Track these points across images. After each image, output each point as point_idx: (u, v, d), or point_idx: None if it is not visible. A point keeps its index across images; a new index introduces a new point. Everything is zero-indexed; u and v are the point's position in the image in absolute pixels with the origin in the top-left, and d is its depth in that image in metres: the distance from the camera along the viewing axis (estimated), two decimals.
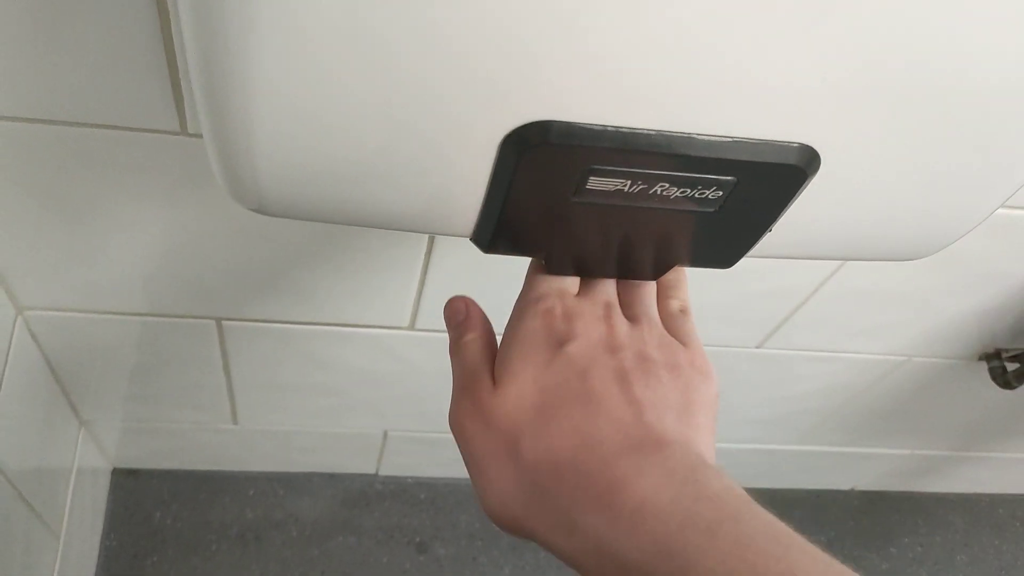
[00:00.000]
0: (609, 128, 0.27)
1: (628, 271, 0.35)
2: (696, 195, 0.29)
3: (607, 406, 0.30)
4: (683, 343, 0.34)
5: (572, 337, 0.32)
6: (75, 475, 0.90)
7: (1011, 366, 0.84)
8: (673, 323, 0.35)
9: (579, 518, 0.28)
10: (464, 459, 0.33)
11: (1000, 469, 1.22)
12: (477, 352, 0.35)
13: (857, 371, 0.90)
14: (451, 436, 1.05)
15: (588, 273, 0.36)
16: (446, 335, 0.77)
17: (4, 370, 0.67)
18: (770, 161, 0.28)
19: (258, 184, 0.30)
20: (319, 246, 0.64)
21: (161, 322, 0.73)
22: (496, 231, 0.31)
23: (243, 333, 0.76)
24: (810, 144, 0.28)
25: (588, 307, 0.34)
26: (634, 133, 0.27)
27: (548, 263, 0.34)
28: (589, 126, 0.27)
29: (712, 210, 0.30)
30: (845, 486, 1.25)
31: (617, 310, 0.35)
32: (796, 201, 0.31)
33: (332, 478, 1.12)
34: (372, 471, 1.12)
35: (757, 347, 0.83)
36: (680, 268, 0.37)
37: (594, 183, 0.28)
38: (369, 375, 0.85)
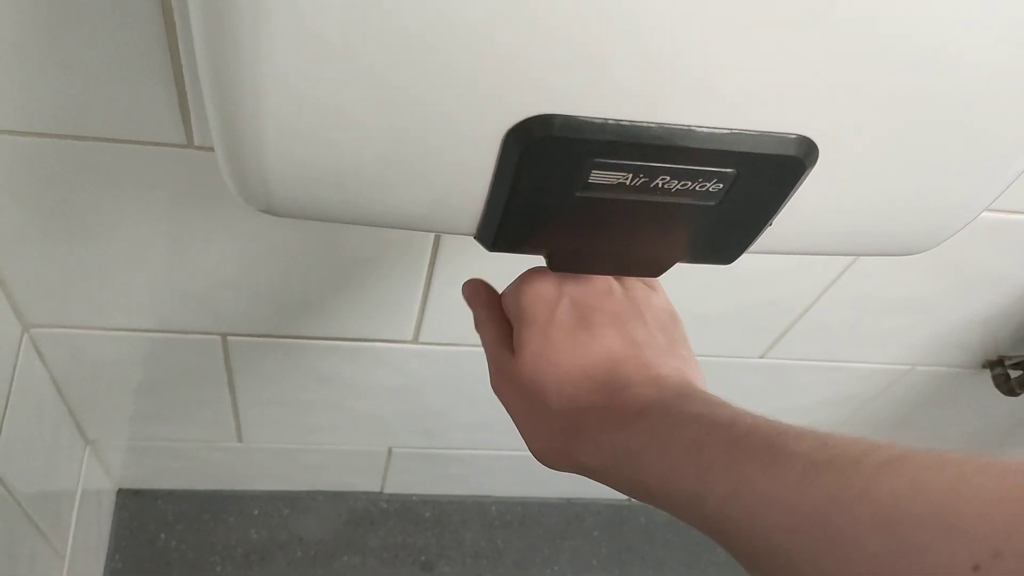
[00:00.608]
0: (610, 121, 0.27)
1: (630, 268, 0.36)
2: (697, 188, 0.30)
3: (610, 351, 0.36)
4: (650, 287, 0.40)
5: (563, 294, 0.38)
6: (80, 496, 0.90)
7: (1014, 373, 0.84)
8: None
9: (602, 437, 0.33)
10: (511, 417, 0.39)
11: None
12: (492, 328, 0.40)
13: (862, 381, 0.90)
14: (455, 452, 1.05)
15: (591, 270, 0.36)
16: (450, 348, 0.78)
17: (10, 389, 0.67)
18: (769, 152, 0.28)
19: (266, 184, 0.31)
20: (322, 260, 0.65)
21: (166, 338, 0.73)
22: (500, 228, 0.32)
23: (247, 349, 0.76)
24: (808, 135, 0.28)
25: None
26: (635, 126, 0.27)
27: (551, 260, 0.35)
28: (591, 119, 0.27)
29: (713, 203, 0.30)
30: None
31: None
32: (796, 194, 0.31)
33: (337, 496, 1.11)
34: (377, 489, 1.12)
35: (760, 357, 0.83)
36: None
37: (596, 177, 0.29)
38: (373, 390, 0.85)
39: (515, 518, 1.16)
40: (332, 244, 0.63)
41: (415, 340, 0.76)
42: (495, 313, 0.40)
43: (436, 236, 0.63)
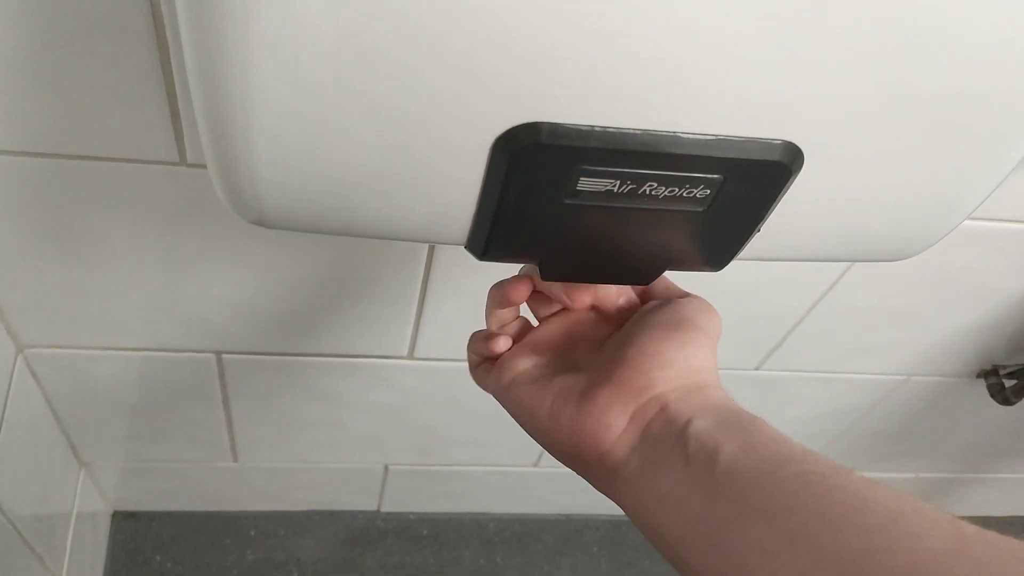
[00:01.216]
0: (597, 128, 0.27)
1: (620, 276, 0.36)
2: (684, 194, 0.30)
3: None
4: None
5: None
6: (75, 518, 0.89)
7: (1009, 382, 0.84)
8: None
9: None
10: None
11: (1005, 491, 1.21)
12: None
13: (858, 392, 0.90)
14: (452, 469, 1.04)
15: (581, 279, 0.36)
16: (445, 363, 0.78)
17: (4, 410, 0.67)
18: (755, 158, 0.29)
19: (257, 196, 0.31)
20: (317, 276, 0.65)
21: (161, 357, 0.73)
22: (490, 237, 0.32)
23: (242, 367, 0.76)
24: (794, 141, 0.29)
25: None
26: (621, 133, 0.28)
27: (542, 269, 0.35)
28: (578, 127, 0.27)
29: (701, 209, 0.31)
30: None
31: None
32: (782, 200, 0.31)
33: (333, 516, 1.11)
34: (374, 507, 1.11)
35: (756, 369, 0.83)
36: None
37: (584, 184, 0.29)
38: (369, 407, 0.84)
39: (514, 535, 1.15)
40: (326, 260, 0.63)
41: (410, 356, 0.76)
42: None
43: (429, 251, 0.63)
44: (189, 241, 0.59)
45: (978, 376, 0.88)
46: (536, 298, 0.42)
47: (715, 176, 0.29)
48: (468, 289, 0.67)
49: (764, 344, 0.80)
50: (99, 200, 0.54)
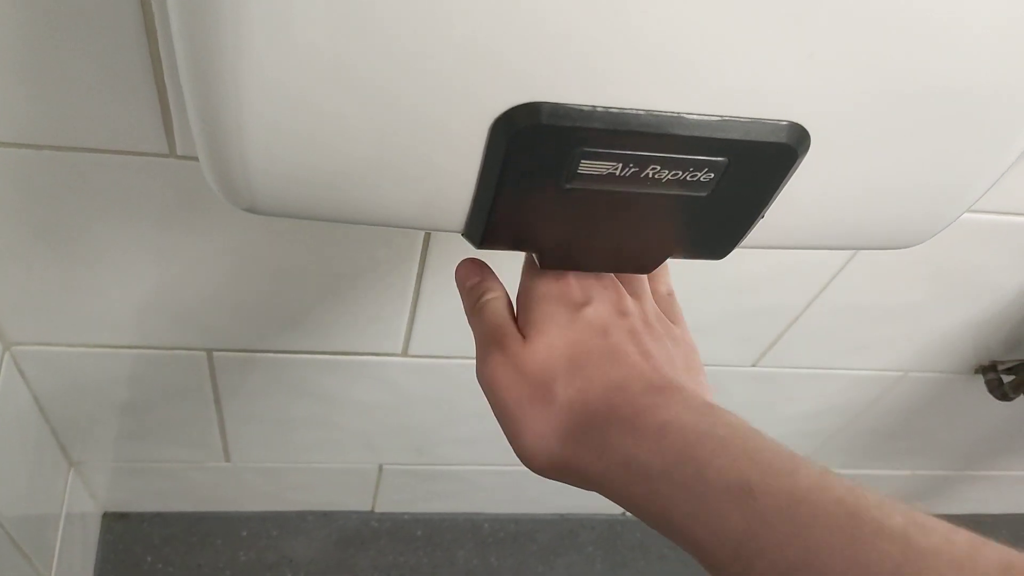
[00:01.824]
0: (599, 108, 0.27)
1: (621, 264, 0.35)
2: (688, 178, 0.29)
3: (628, 359, 0.34)
4: (673, 322, 0.38)
5: (588, 301, 0.36)
6: (64, 519, 0.88)
7: (1007, 378, 0.83)
8: (663, 304, 0.39)
9: (610, 439, 0.31)
10: (496, 410, 0.35)
11: (1002, 488, 1.21)
12: (502, 308, 0.38)
13: (855, 389, 0.89)
14: (447, 468, 1.04)
15: (581, 267, 0.35)
16: (440, 361, 0.77)
17: None
18: (760, 140, 0.28)
19: (249, 183, 0.30)
20: (310, 272, 0.64)
21: (151, 355, 0.72)
22: (488, 223, 0.31)
23: (234, 364, 0.75)
24: (799, 122, 0.28)
25: (595, 280, 0.37)
26: (624, 113, 0.27)
27: (541, 257, 0.34)
28: (579, 107, 0.27)
29: (704, 194, 0.30)
30: None
31: (621, 287, 0.38)
32: (787, 185, 0.31)
33: (326, 516, 1.10)
34: (368, 508, 1.10)
35: (752, 366, 0.83)
36: None
37: (586, 167, 0.28)
38: (363, 405, 0.84)
39: (508, 535, 1.14)
40: (320, 256, 0.62)
41: (404, 353, 0.75)
42: (505, 297, 0.39)
43: (424, 245, 0.62)
44: (179, 235, 0.58)
45: (976, 372, 0.87)
46: None
47: (720, 159, 0.28)
48: None
49: (761, 341, 0.79)
50: (87, 193, 0.54)
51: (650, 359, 0.34)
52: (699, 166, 0.29)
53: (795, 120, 0.28)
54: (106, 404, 0.79)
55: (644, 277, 0.39)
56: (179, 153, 0.51)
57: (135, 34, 0.43)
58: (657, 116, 0.27)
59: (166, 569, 1.03)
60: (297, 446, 0.91)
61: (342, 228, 0.60)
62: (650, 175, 0.29)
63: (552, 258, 0.34)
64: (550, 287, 0.36)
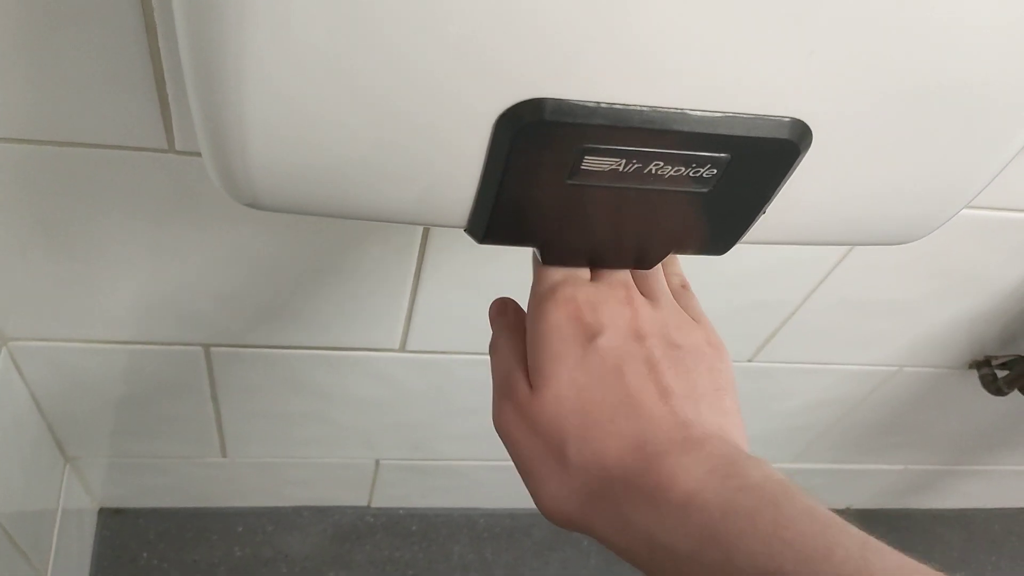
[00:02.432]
0: (603, 105, 0.27)
1: (623, 260, 0.35)
2: (690, 174, 0.29)
3: (645, 408, 0.31)
4: (694, 319, 0.36)
5: (600, 329, 0.33)
6: (60, 515, 0.88)
7: (1001, 372, 0.84)
8: (681, 300, 0.37)
9: (631, 515, 0.29)
10: (513, 460, 0.34)
11: (994, 483, 1.22)
12: (508, 354, 0.35)
13: (849, 383, 0.90)
14: (443, 464, 1.04)
15: (583, 263, 0.36)
16: (438, 356, 0.77)
17: None
18: (763, 136, 0.28)
19: (251, 178, 0.30)
20: (308, 267, 0.64)
21: (148, 350, 0.72)
22: (491, 219, 0.31)
23: (231, 360, 0.75)
24: (802, 119, 0.28)
25: (607, 291, 0.34)
26: (628, 109, 0.27)
27: (544, 252, 0.34)
28: (583, 103, 0.27)
29: (707, 190, 0.30)
30: (840, 505, 1.24)
31: (636, 291, 0.35)
32: (789, 181, 0.31)
33: (322, 512, 1.10)
34: (364, 503, 1.10)
35: (749, 361, 0.83)
36: None
37: (589, 163, 0.28)
38: (359, 400, 0.84)
39: (503, 530, 1.14)
40: (318, 251, 0.62)
41: (402, 348, 0.75)
42: (518, 339, 0.35)
43: (423, 241, 0.62)
44: (177, 231, 0.58)
45: (970, 367, 0.88)
46: None
47: (722, 155, 0.29)
48: (463, 280, 0.66)
49: (758, 336, 0.80)
50: (85, 188, 0.53)
51: (670, 400, 0.31)
52: (702, 162, 0.29)
53: (797, 116, 0.28)
54: (103, 400, 0.79)
55: (660, 272, 0.37)
56: (178, 148, 0.51)
57: (134, 30, 0.43)
58: (661, 112, 0.27)
59: (162, 565, 1.03)
60: (293, 441, 0.91)
61: (340, 223, 0.60)
62: (653, 171, 0.29)
63: (554, 253, 0.34)
64: (558, 315, 0.33)
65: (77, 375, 0.74)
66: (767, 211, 0.32)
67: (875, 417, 0.98)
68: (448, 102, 0.27)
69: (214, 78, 0.26)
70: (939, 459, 1.13)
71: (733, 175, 0.30)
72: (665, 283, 0.37)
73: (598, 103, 0.27)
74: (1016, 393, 0.84)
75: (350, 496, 1.07)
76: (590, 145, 0.28)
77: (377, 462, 0.99)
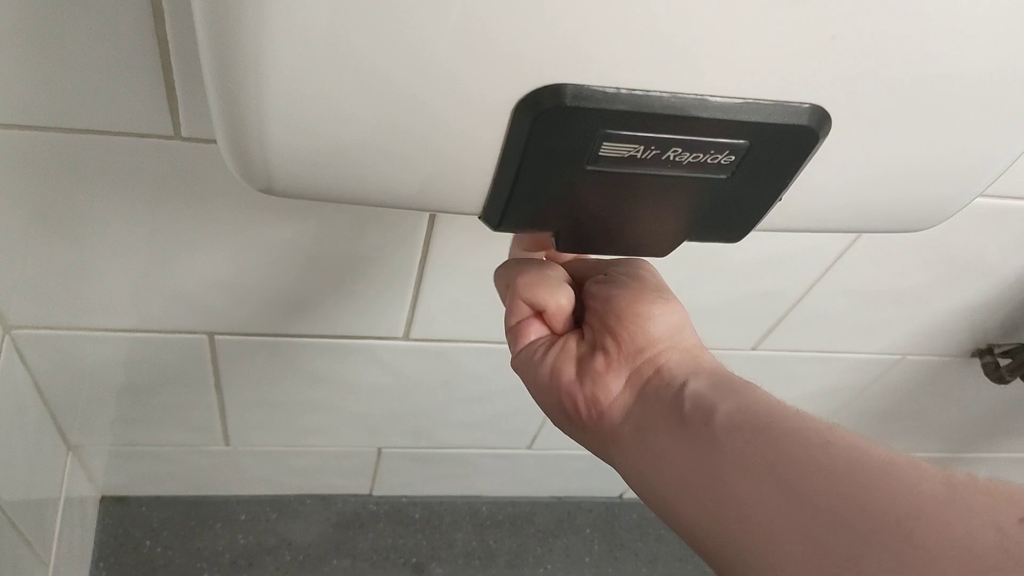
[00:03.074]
0: (623, 90, 0.27)
1: (637, 247, 0.35)
2: (708, 160, 0.29)
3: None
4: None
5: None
6: (63, 502, 0.88)
7: (1004, 361, 0.84)
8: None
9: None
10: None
11: (995, 470, 1.22)
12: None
13: (852, 372, 0.90)
14: (446, 452, 1.04)
15: (598, 250, 0.35)
16: (442, 345, 0.77)
17: None
18: (782, 122, 0.28)
19: (267, 164, 0.30)
20: (312, 255, 0.64)
21: (152, 338, 0.71)
22: (507, 206, 0.31)
23: (235, 348, 0.75)
24: (821, 105, 0.28)
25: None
26: (648, 95, 0.27)
27: (557, 240, 0.34)
28: (603, 89, 0.27)
29: (724, 177, 0.30)
30: None
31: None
32: (806, 168, 0.31)
33: (325, 500, 1.10)
34: (366, 491, 1.10)
35: (752, 349, 0.83)
36: None
37: (607, 149, 0.28)
38: (363, 389, 0.84)
39: (506, 518, 1.15)
40: (322, 238, 0.62)
41: (406, 337, 0.75)
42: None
43: (428, 228, 0.62)
44: (182, 218, 0.58)
45: (973, 355, 0.88)
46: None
47: (741, 142, 0.28)
48: (467, 268, 0.66)
49: (761, 324, 0.80)
50: (89, 175, 0.53)
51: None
52: (720, 149, 0.29)
53: (817, 103, 0.28)
54: (106, 388, 0.79)
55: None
56: (184, 135, 0.51)
57: (140, 12, 0.43)
58: (681, 98, 0.27)
59: (165, 553, 1.03)
60: (297, 430, 0.91)
61: (345, 211, 0.59)
62: (671, 158, 0.29)
63: (568, 241, 0.34)
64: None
65: (80, 363, 0.74)
66: (783, 198, 0.32)
67: (878, 405, 0.98)
68: (466, 88, 0.27)
69: (233, 63, 0.26)
70: (940, 447, 1.13)
71: (751, 162, 0.29)
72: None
73: (618, 89, 0.27)
74: (1018, 381, 0.84)
75: (353, 484, 1.08)
76: (609, 131, 0.28)
77: (380, 450, 0.99)
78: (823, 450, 0.27)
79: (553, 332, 0.39)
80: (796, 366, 0.87)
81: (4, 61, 0.44)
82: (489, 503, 1.15)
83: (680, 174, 0.30)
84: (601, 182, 0.30)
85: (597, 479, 1.09)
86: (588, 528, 1.16)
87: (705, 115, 0.27)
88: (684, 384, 0.33)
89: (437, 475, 1.07)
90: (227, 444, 0.93)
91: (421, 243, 0.63)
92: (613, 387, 0.35)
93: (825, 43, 0.26)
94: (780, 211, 0.33)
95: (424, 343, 0.77)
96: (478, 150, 0.29)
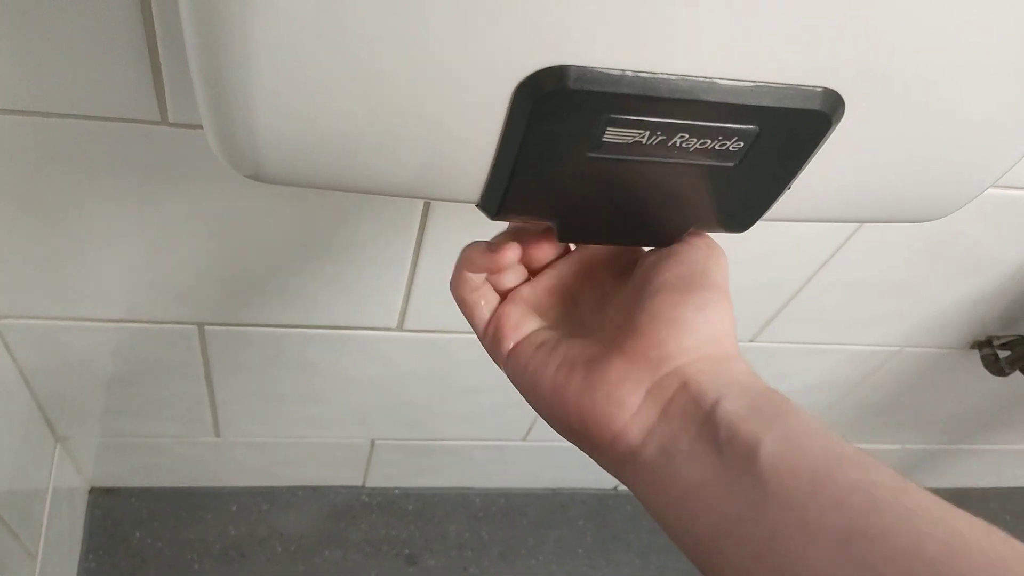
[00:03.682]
0: (628, 73, 0.25)
1: (640, 236, 0.34)
2: (716, 147, 0.28)
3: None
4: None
5: None
6: (51, 494, 0.87)
7: (1003, 353, 0.83)
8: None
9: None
10: None
11: (990, 462, 1.22)
12: None
13: (851, 364, 0.89)
14: (439, 443, 1.03)
15: (600, 240, 0.34)
16: (436, 336, 0.76)
17: None
18: (793, 107, 0.27)
19: (255, 148, 0.28)
20: (304, 244, 0.62)
21: (141, 329, 0.70)
22: (506, 194, 0.30)
23: (226, 338, 0.73)
24: (835, 89, 0.27)
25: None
26: (654, 78, 0.26)
27: (558, 229, 0.33)
28: (607, 71, 0.25)
29: (732, 164, 0.29)
30: None
31: None
32: (816, 155, 0.30)
33: (317, 491, 1.09)
34: (359, 483, 1.09)
35: (751, 341, 0.82)
36: None
37: (611, 135, 0.27)
38: (356, 380, 0.82)
39: (499, 509, 1.14)
40: (314, 228, 0.61)
41: (400, 328, 0.74)
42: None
43: (422, 217, 0.61)
44: (170, 205, 0.57)
45: (972, 347, 0.87)
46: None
47: (751, 127, 0.27)
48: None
49: (760, 316, 0.79)
50: (76, 162, 0.52)
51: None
52: (729, 135, 0.27)
53: (830, 87, 0.27)
54: (94, 379, 0.78)
55: None
56: (171, 120, 0.50)
57: None
58: (689, 81, 0.26)
59: (155, 544, 1.02)
60: (288, 421, 0.90)
61: (337, 199, 0.58)
62: (677, 144, 0.28)
63: (569, 230, 0.33)
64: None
65: (67, 354, 0.73)
66: (792, 186, 0.31)
67: (876, 397, 0.98)
68: (464, 69, 0.25)
69: (218, 43, 0.25)
70: (937, 439, 1.13)
71: (760, 148, 0.28)
72: None
73: (623, 71, 0.25)
74: (1017, 373, 0.83)
75: (345, 476, 1.07)
76: (614, 116, 0.26)
77: (372, 442, 0.98)
78: (907, 523, 0.23)
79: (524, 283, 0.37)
80: (794, 359, 0.87)
81: None
82: (482, 495, 1.14)
83: (686, 161, 0.28)
84: (604, 169, 0.29)
85: (591, 471, 1.08)
86: (581, 520, 1.15)
87: (714, 99, 0.26)
88: (716, 404, 0.29)
89: (430, 466, 1.06)
90: (218, 435, 0.92)
91: (415, 231, 0.62)
92: (630, 401, 0.30)
93: (844, 22, 0.25)
94: (788, 200, 0.32)
95: (418, 334, 0.75)
96: (476, 135, 0.28)
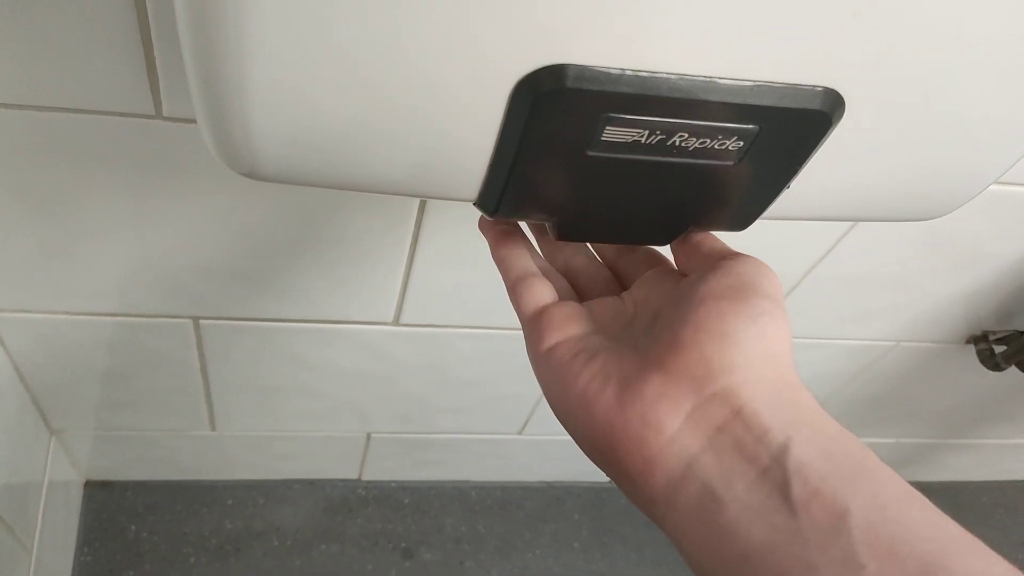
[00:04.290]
0: (628, 72, 0.25)
1: (639, 236, 0.34)
2: (716, 146, 0.28)
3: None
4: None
5: None
6: (46, 488, 0.86)
7: (999, 348, 0.84)
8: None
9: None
10: None
11: (983, 456, 1.23)
12: None
13: (847, 358, 0.89)
14: (435, 437, 1.03)
15: (597, 239, 0.34)
16: (432, 330, 0.76)
17: None
18: (793, 107, 0.27)
19: (251, 145, 0.28)
20: (300, 238, 0.62)
21: (136, 322, 0.70)
22: (504, 193, 0.29)
23: (221, 332, 0.73)
24: (835, 88, 0.27)
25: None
26: (654, 77, 0.25)
27: (557, 228, 0.33)
28: (607, 70, 0.25)
29: (731, 163, 0.29)
30: None
31: None
32: (816, 153, 0.29)
33: (313, 485, 1.09)
34: (355, 476, 1.09)
35: None
36: None
37: (610, 133, 0.27)
38: (352, 374, 0.82)
39: (496, 502, 1.14)
40: (310, 221, 0.61)
41: (396, 322, 0.74)
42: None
43: (419, 212, 0.60)
44: (165, 199, 0.56)
45: (968, 342, 0.87)
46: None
47: (750, 127, 0.27)
48: (459, 253, 0.65)
49: None
50: (70, 155, 0.51)
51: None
52: (728, 134, 0.27)
53: (831, 86, 0.27)
54: (89, 372, 0.77)
55: None
56: (165, 114, 0.49)
57: None
58: (689, 80, 0.26)
59: (151, 538, 1.02)
60: (284, 415, 0.90)
61: (334, 194, 0.58)
62: (677, 143, 0.27)
63: (567, 229, 0.33)
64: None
65: (62, 347, 0.72)
66: (791, 185, 0.31)
67: (870, 391, 0.98)
68: (463, 66, 0.25)
69: (213, 38, 0.24)
70: (931, 433, 1.13)
71: (760, 148, 0.28)
72: None
73: (623, 70, 0.25)
74: (1013, 368, 0.84)
75: (341, 469, 1.07)
76: (613, 114, 0.26)
77: (368, 435, 0.98)
78: None
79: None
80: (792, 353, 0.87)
81: None
82: (478, 488, 1.14)
83: (686, 160, 0.28)
84: (603, 168, 0.28)
85: (587, 464, 1.08)
86: (577, 513, 1.15)
87: (714, 98, 0.26)
88: (786, 448, 0.24)
89: (427, 460, 1.06)
90: (213, 429, 0.92)
91: (412, 226, 0.62)
92: (667, 423, 0.26)
93: (845, 21, 0.25)
94: (787, 199, 0.32)
95: (414, 328, 0.75)
96: (474, 134, 0.27)
